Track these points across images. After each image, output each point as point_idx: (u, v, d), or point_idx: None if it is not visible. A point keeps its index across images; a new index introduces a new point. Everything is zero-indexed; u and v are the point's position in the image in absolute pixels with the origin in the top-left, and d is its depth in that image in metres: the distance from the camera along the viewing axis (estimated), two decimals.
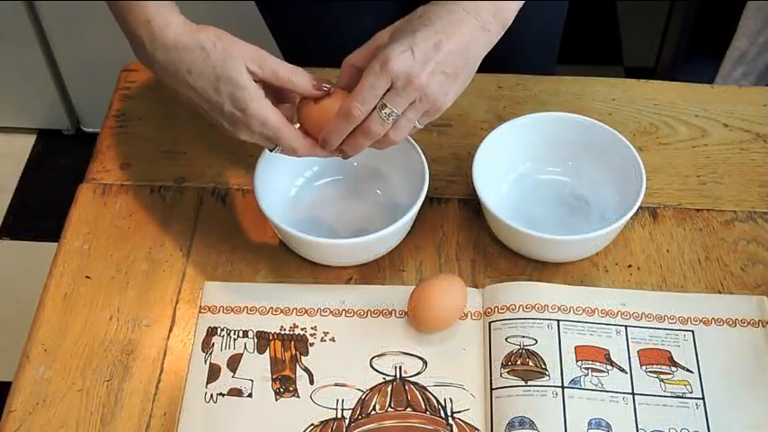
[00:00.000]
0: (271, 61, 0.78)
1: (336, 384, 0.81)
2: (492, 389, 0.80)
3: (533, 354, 0.82)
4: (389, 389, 0.81)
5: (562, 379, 0.80)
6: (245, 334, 0.84)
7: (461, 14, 0.77)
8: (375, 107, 0.78)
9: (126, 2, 0.79)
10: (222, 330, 0.84)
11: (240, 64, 0.77)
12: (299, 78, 0.79)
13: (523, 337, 0.83)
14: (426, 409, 0.80)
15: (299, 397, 0.81)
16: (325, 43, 1.09)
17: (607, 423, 0.78)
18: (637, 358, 0.82)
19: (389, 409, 0.80)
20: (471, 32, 0.78)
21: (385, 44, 0.79)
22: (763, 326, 0.85)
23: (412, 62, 0.76)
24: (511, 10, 0.79)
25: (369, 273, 0.90)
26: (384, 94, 0.77)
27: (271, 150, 0.82)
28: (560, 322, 0.84)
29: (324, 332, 0.85)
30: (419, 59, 0.76)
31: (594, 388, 0.80)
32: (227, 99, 0.78)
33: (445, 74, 0.78)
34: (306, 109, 0.81)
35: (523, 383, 0.80)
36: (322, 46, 1.04)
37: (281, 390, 0.81)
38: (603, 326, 0.84)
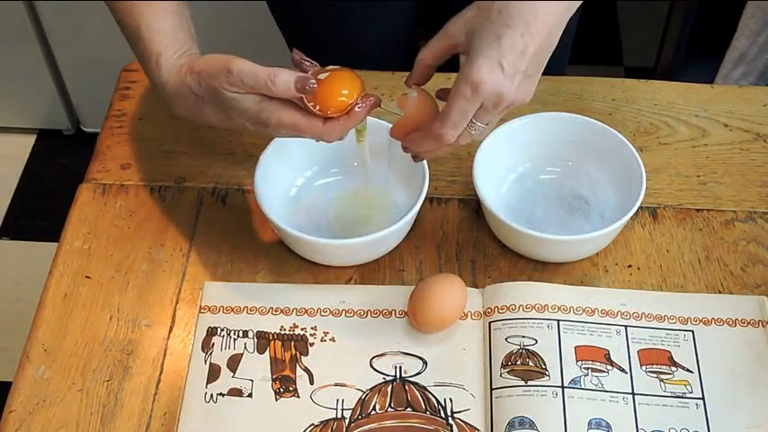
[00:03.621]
0: (245, 76, 0.74)
1: (336, 384, 0.81)
2: (492, 389, 0.80)
3: (533, 354, 0.82)
4: (389, 389, 0.81)
5: (562, 379, 0.80)
6: (245, 334, 0.84)
7: (543, 4, 0.72)
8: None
9: (138, 60, 0.81)
10: (222, 330, 0.84)
11: (229, 92, 0.75)
12: (277, 84, 0.74)
13: (523, 337, 0.83)
14: (426, 409, 0.80)
15: (299, 397, 0.81)
16: (341, 49, 1.08)
17: (607, 423, 0.78)
18: (637, 358, 0.82)
19: (389, 409, 0.80)
20: (555, 20, 0.73)
21: (462, 45, 0.75)
22: (763, 326, 0.85)
23: (502, 79, 0.72)
24: None
25: (369, 273, 0.90)
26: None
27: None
28: (560, 322, 0.84)
29: (324, 332, 0.85)
30: (509, 74, 0.72)
31: (594, 388, 0.80)
32: (243, 120, 0.78)
33: (530, 76, 0.74)
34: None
35: (523, 383, 0.80)
36: (338, 52, 1.03)
37: (281, 390, 0.81)
38: (603, 326, 0.84)
